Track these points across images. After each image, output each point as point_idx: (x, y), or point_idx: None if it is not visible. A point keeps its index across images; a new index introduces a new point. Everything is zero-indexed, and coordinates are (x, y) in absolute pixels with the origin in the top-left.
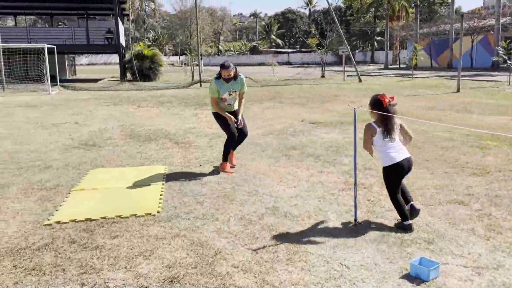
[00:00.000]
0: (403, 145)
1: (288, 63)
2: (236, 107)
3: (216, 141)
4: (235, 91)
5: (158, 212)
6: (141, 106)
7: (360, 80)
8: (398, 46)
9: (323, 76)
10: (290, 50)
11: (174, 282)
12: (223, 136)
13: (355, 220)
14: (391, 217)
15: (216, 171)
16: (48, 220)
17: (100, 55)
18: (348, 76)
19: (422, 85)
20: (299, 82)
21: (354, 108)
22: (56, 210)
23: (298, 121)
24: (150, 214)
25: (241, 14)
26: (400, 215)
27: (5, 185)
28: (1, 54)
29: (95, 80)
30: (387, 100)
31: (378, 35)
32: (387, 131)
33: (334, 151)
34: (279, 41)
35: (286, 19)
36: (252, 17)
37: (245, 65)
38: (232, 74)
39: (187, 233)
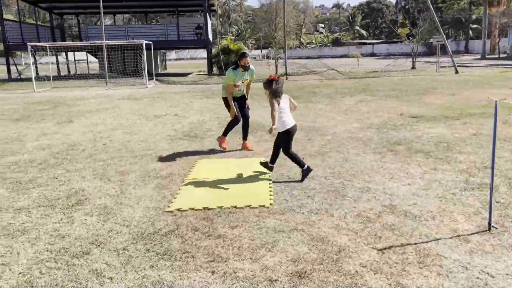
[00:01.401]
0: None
1: (372, 55)
2: (244, 92)
3: (314, 134)
4: (247, 79)
5: (271, 204)
6: None
7: (456, 71)
8: (497, 34)
9: (413, 67)
10: (374, 41)
11: (303, 277)
12: (320, 129)
13: (489, 223)
14: None
15: (320, 165)
16: (169, 207)
17: (187, 50)
18: (441, 67)
19: None
20: (388, 73)
21: (496, 101)
22: (174, 198)
23: (397, 115)
24: (263, 206)
25: (323, 5)
26: (298, 164)
27: (125, 172)
28: (105, 51)
29: (184, 75)
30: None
31: (474, 23)
32: (278, 101)
33: (445, 148)
34: (363, 32)
35: (371, 9)
36: (334, 8)
37: (327, 57)
38: (249, 62)
39: (305, 228)
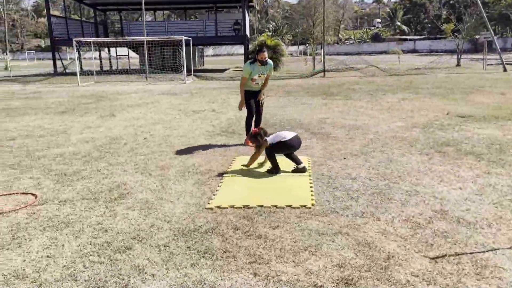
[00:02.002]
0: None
1: (413, 51)
2: (260, 87)
3: (355, 132)
4: (264, 74)
5: (312, 205)
6: (269, 96)
7: (505, 69)
8: None
9: (458, 64)
10: (416, 37)
11: (350, 284)
12: (361, 127)
13: None
14: None
15: (363, 165)
16: (209, 204)
17: (224, 46)
18: (488, 64)
19: None
20: (431, 71)
21: None
22: (214, 195)
23: (443, 114)
24: (305, 206)
25: (363, 0)
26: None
27: (165, 167)
28: (145, 46)
29: (221, 70)
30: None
31: None
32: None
33: (497, 150)
34: (404, 28)
35: (413, 4)
36: (374, 3)
37: (366, 54)
38: (267, 57)
39: (350, 231)
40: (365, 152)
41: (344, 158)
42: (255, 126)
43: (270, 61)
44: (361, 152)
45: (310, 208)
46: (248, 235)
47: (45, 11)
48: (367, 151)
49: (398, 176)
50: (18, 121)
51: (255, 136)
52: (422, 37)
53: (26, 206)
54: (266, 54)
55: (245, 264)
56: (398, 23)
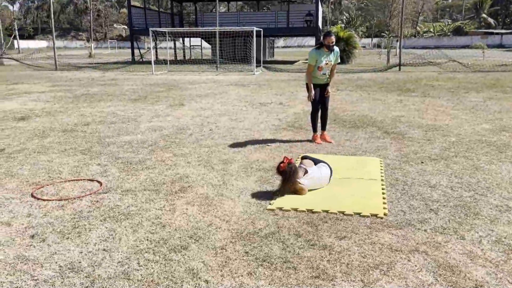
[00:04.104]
0: None
1: (500, 46)
2: (327, 79)
3: (434, 134)
4: (331, 61)
5: (385, 214)
6: (339, 90)
7: None
8: None
9: None
10: (504, 31)
11: None
12: (441, 128)
13: None
14: None
15: (444, 172)
16: (270, 204)
17: (295, 38)
18: None
19: None
20: None
21: None
22: (276, 195)
23: None
24: (376, 215)
25: None
26: None
27: (228, 161)
28: (217, 37)
29: (291, 62)
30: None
31: None
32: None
33: None
34: (491, 21)
35: None
36: None
37: (446, 48)
38: (334, 41)
39: (428, 250)
40: (446, 156)
41: (422, 163)
42: (321, 122)
43: (336, 48)
44: (442, 156)
45: (382, 218)
46: (311, 244)
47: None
48: (449, 156)
49: (486, 187)
50: (94, 106)
51: (284, 173)
52: (510, 31)
53: (90, 194)
54: (333, 38)
55: (306, 278)
56: (484, 15)
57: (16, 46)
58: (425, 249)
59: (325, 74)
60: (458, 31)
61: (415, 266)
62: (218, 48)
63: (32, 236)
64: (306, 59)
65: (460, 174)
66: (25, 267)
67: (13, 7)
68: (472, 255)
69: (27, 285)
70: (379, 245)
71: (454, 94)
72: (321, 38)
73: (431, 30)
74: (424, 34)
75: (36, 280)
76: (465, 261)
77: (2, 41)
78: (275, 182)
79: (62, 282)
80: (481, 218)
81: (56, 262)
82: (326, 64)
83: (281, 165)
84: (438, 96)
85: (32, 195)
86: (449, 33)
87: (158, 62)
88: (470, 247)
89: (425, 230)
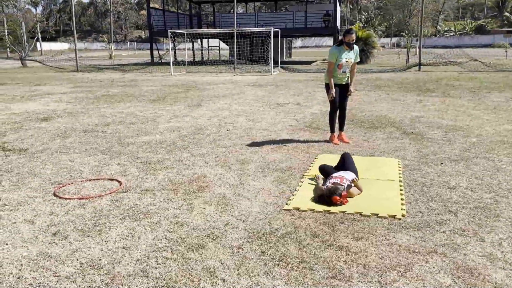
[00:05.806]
0: None
1: None
2: (347, 79)
3: (454, 134)
4: (351, 59)
5: (403, 215)
6: (357, 89)
7: None
8: None
9: None
10: None
11: None
12: (461, 129)
13: None
14: None
15: (464, 173)
16: (287, 204)
17: (313, 38)
18: None
19: None
20: None
21: None
22: (293, 195)
23: None
24: (394, 216)
25: None
26: None
27: (245, 161)
28: (235, 38)
29: (309, 62)
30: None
31: None
32: None
33: None
34: None
35: None
36: None
37: (467, 47)
38: (355, 39)
39: (447, 252)
40: (466, 157)
41: (441, 164)
42: (339, 122)
43: (356, 47)
44: (462, 157)
45: (400, 219)
46: (328, 245)
47: (146, 3)
48: (469, 157)
49: (507, 189)
50: (114, 107)
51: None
52: None
53: (110, 193)
54: (354, 36)
55: (323, 278)
56: (507, 14)
57: (38, 48)
58: (444, 251)
59: (345, 72)
60: (480, 30)
61: (433, 268)
62: (235, 48)
63: (54, 234)
64: (324, 59)
65: (480, 176)
66: (47, 264)
67: (36, 10)
68: (491, 257)
69: (50, 281)
70: (396, 246)
71: (475, 94)
72: (342, 35)
73: (452, 29)
74: (445, 33)
75: (58, 276)
76: (484, 264)
77: (26, 43)
78: (292, 182)
79: (83, 279)
80: (501, 220)
81: (77, 259)
82: (346, 61)
83: (335, 198)
84: (459, 96)
85: (54, 194)
86: (470, 32)
87: (176, 63)
88: (490, 250)
89: (444, 232)
